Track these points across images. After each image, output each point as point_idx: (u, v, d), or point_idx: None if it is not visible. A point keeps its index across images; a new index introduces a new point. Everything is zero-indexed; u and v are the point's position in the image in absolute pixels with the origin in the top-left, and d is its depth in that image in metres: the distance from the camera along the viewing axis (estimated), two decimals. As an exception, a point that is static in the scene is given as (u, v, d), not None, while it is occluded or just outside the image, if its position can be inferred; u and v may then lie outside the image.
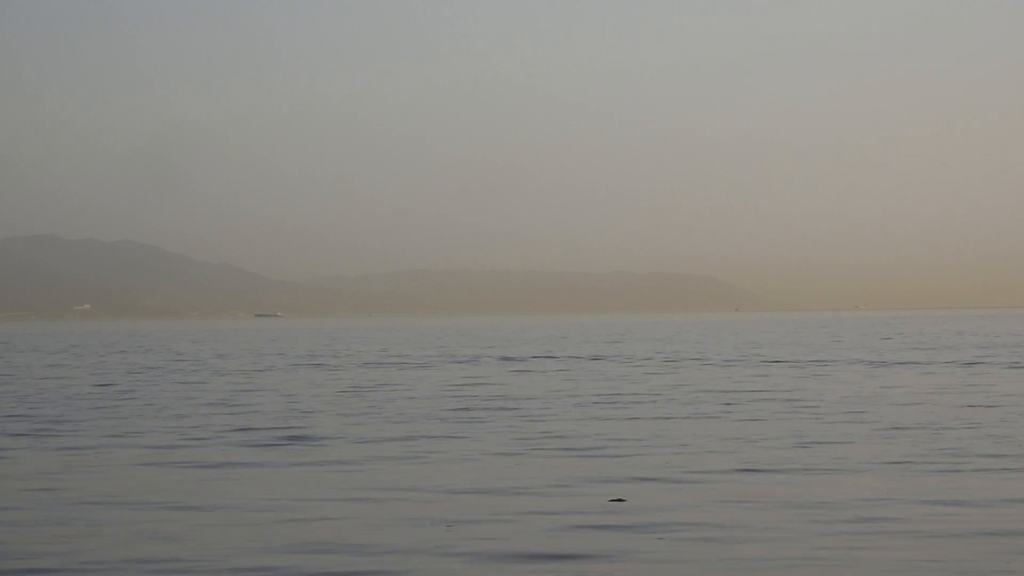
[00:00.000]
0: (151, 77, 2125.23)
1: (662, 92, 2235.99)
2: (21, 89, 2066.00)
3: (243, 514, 23.10)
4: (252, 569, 18.23)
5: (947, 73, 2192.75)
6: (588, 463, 30.11)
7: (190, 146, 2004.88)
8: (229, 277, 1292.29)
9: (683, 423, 40.57)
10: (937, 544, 19.70)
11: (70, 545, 20.27)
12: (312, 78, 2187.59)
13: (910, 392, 53.30)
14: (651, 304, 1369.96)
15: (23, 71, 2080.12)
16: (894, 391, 54.10)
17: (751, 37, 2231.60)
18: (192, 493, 25.78)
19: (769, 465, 29.24)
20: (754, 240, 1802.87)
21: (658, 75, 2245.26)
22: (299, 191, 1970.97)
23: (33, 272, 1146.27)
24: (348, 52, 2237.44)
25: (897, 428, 37.84)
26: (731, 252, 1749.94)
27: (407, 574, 18.02)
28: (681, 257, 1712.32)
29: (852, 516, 22.27)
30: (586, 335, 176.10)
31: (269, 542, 20.11)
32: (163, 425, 42.13)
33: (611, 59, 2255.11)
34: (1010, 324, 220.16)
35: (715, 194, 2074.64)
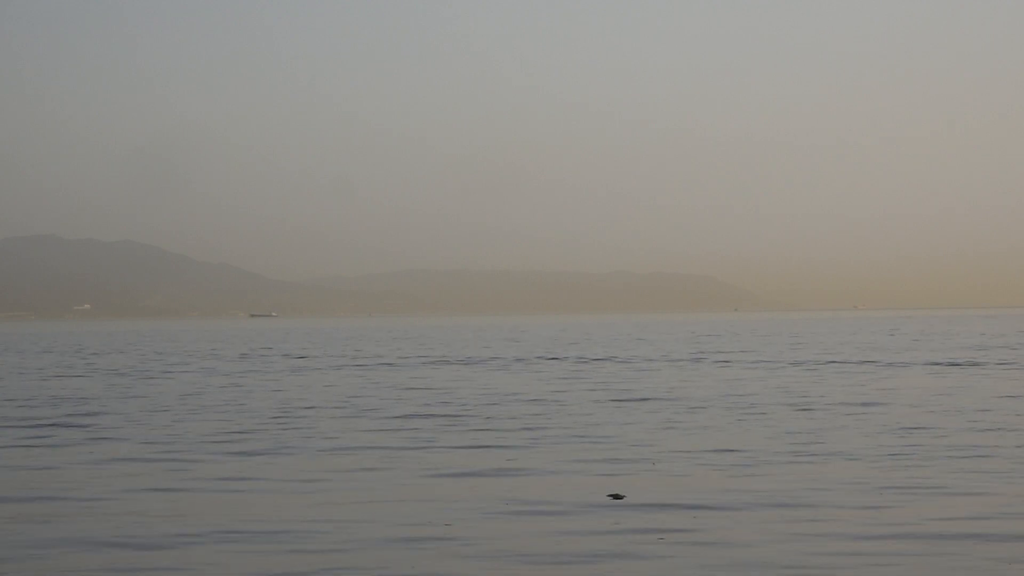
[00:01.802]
0: (151, 77, 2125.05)
1: (662, 92, 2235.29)
2: (21, 89, 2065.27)
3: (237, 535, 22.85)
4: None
5: (947, 73, 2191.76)
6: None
7: (190, 146, 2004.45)
8: (229, 277, 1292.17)
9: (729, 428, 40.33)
10: (923, 551, 19.40)
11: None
12: (312, 78, 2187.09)
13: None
14: (651, 304, 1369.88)
15: (23, 71, 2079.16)
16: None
17: (751, 37, 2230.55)
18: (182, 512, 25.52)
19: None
20: (754, 240, 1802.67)
21: (658, 75, 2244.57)
22: (299, 191, 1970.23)
23: (33, 272, 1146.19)
24: (348, 52, 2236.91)
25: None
26: (731, 252, 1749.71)
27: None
28: (681, 257, 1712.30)
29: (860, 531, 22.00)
30: (660, 334, 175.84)
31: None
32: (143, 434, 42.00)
33: (611, 59, 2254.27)
34: (1014, 323, 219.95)
35: (715, 194, 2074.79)
